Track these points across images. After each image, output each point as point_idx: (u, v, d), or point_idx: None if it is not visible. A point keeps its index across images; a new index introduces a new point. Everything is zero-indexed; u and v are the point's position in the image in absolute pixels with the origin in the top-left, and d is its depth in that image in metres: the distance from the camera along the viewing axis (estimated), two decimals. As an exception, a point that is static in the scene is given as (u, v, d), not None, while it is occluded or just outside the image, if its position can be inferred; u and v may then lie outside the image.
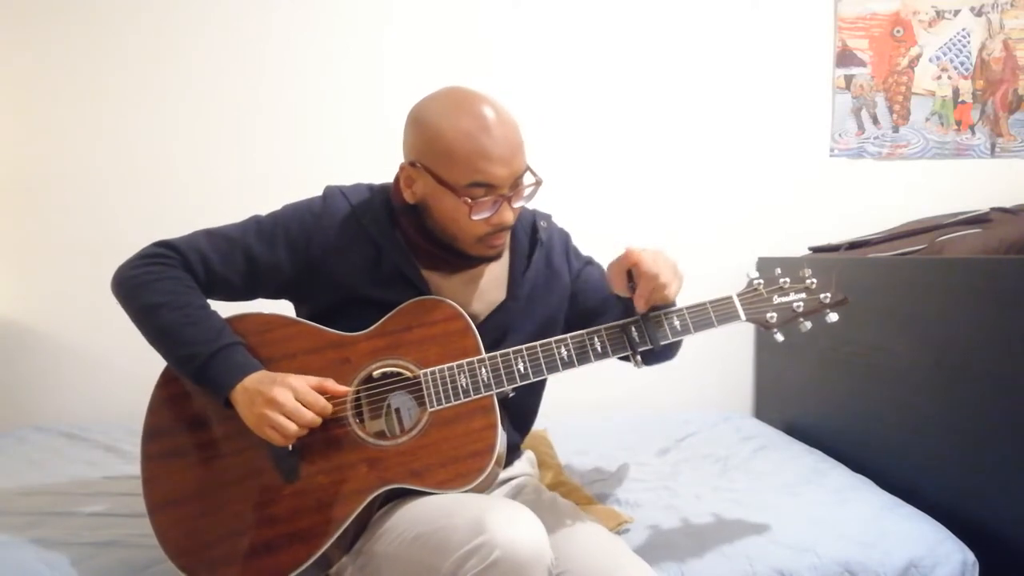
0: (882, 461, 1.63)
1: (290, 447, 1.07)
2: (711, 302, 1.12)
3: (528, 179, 1.12)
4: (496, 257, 1.19)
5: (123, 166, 2.16)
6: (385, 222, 1.18)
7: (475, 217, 1.07)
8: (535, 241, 1.27)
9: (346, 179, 1.28)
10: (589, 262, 1.35)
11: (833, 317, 1.12)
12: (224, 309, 1.17)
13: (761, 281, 1.13)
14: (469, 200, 1.06)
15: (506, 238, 1.17)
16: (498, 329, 1.20)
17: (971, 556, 1.26)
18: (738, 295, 1.13)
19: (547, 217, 1.33)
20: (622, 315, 1.16)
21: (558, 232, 1.34)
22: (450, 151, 1.06)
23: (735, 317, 1.11)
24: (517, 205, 1.12)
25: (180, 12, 2.15)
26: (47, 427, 2.00)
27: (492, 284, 1.23)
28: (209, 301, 1.17)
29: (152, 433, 1.14)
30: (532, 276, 1.24)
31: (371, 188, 1.24)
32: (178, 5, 2.14)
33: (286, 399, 1.04)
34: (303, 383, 1.07)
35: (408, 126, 1.13)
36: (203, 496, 1.10)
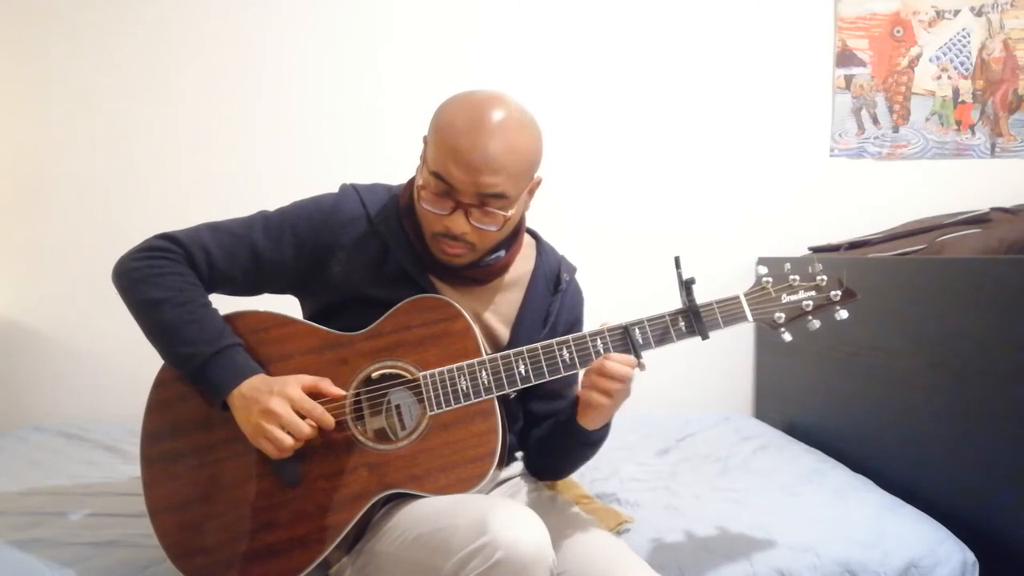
0: (882, 461, 1.64)
1: None
2: (717, 302, 1.10)
3: (504, 207, 1.07)
4: (449, 266, 1.14)
5: (123, 166, 2.16)
6: (395, 222, 1.17)
7: (423, 204, 1.07)
8: (554, 291, 1.24)
9: (345, 178, 1.27)
10: None
11: (843, 315, 1.09)
12: (223, 305, 1.16)
13: (770, 279, 1.10)
14: (421, 183, 1.07)
15: (460, 252, 1.11)
16: None
17: (971, 556, 1.26)
18: (745, 294, 1.10)
19: (572, 271, 1.29)
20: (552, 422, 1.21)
21: (575, 291, 1.30)
22: (435, 133, 1.07)
23: (742, 318, 1.09)
24: (478, 224, 1.07)
25: (180, 12, 2.14)
26: (47, 427, 2.00)
27: (497, 320, 1.21)
28: (211, 296, 1.15)
29: (151, 435, 1.13)
30: (546, 331, 1.22)
31: (388, 189, 1.23)
32: (178, 5, 2.14)
33: (283, 410, 1.02)
34: (299, 392, 1.05)
35: None
36: (204, 500, 1.09)
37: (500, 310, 1.21)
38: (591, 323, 1.13)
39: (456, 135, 1.03)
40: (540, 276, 1.24)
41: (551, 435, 1.20)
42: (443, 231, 1.08)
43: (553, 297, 1.24)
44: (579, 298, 1.31)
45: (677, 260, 1.08)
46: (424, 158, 1.10)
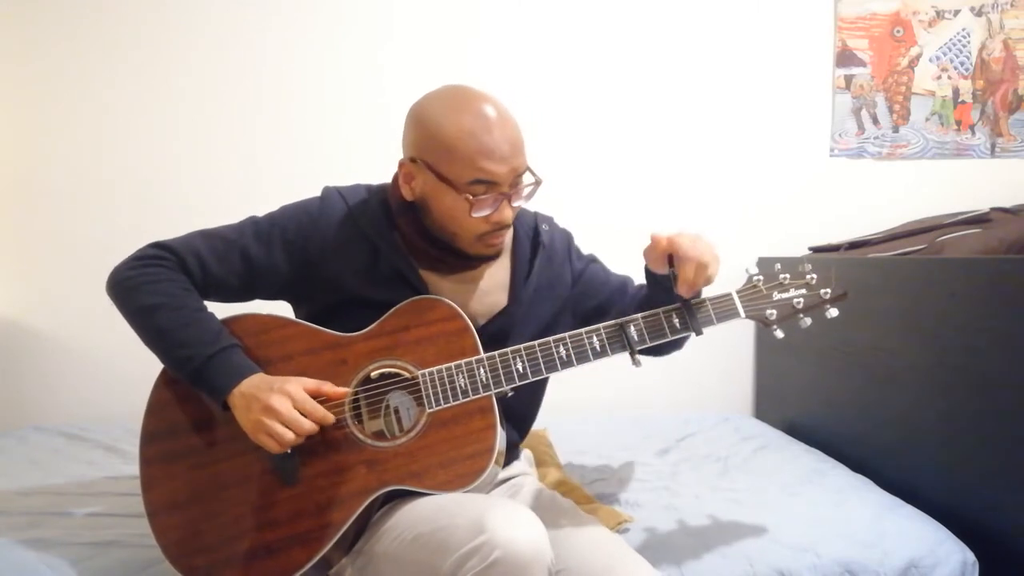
0: (882, 461, 1.63)
1: (288, 451, 1.07)
2: (711, 299, 1.12)
3: (528, 179, 1.13)
4: (495, 257, 1.19)
5: (123, 166, 2.16)
6: (382, 222, 1.18)
7: (475, 215, 1.08)
8: (537, 244, 1.27)
9: (347, 179, 1.28)
10: (592, 260, 1.36)
11: (833, 312, 1.11)
12: (221, 310, 1.17)
13: (760, 277, 1.13)
14: (470, 197, 1.07)
15: (504, 237, 1.17)
16: (499, 333, 1.19)
17: (971, 556, 1.26)
18: (737, 292, 1.12)
19: (549, 219, 1.33)
20: (631, 306, 1.21)
21: (560, 234, 1.34)
22: (451, 148, 1.06)
23: (735, 314, 1.11)
24: (516, 204, 1.12)
25: (180, 13, 2.15)
26: (47, 427, 2.00)
27: (493, 287, 1.23)
28: (205, 303, 1.16)
29: (150, 436, 1.14)
30: (534, 281, 1.24)
31: (369, 189, 1.24)
32: (179, 5, 2.14)
33: (283, 407, 1.03)
34: (300, 390, 1.06)
35: (409, 122, 1.13)
36: (203, 499, 1.09)
37: (494, 280, 1.23)
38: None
39: (477, 137, 1.05)
40: (522, 237, 1.27)
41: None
42: (493, 227, 1.11)
43: (535, 253, 1.26)
44: (567, 236, 1.36)
45: (671, 258, 1.09)
46: (436, 178, 1.09)
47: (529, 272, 1.24)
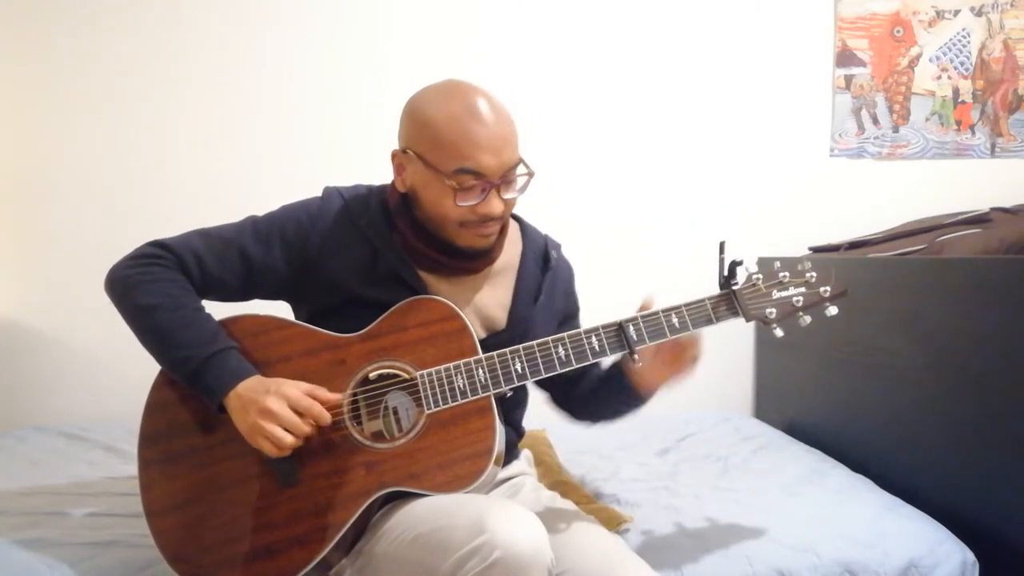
0: (882, 461, 1.63)
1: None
2: (710, 298, 1.11)
3: (521, 171, 1.12)
4: (487, 249, 1.18)
5: (123, 166, 2.16)
6: (381, 223, 1.18)
7: (461, 204, 1.08)
8: (544, 268, 1.26)
9: (347, 179, 1.28)
10: (574, 316, 1.35)
11: (833, 310, 1.11)
12: (219, 310, 1.17)
13: (760, 276, 1.12)
14: (455, 185, 1.07)
15: (495, 229, 1.15)
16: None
17: (971, 556, 1.26)
18: (737, 291, 1.12)
19: (558, 247, 1.32)
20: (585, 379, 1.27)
21: (565, 266, 1.33)
22: (439, 136, 1.07)
23: (734, 313, 1.11)
24: (508, 196, 1.12)
25: (180, 12, 2.15)
26: (47, 427, 2.00)
27: (493, 302, 1.21)
28: (204, 302, 1.16)
29: (149, 437, 1.14)
30: (540, 302, 1.23)
31: (369, 189, 1.24)
32: (178, 6, 2.14)
33: (280, 409, 1.03)
34: (297, 391, 1.05)
35: (403, 115, 1.14)
36: (201, 501, 1.09)
37: (495, 294, 1.22)
38: (590, 323, 1.14)
39: (464, 125, 1.06)
40: (529, 256, 1.26)
41: (605, 399, 1.26)
42: (481, 218, 1.10)
43: (544, 275, 1.26)
44: (570, 272, 1.35)
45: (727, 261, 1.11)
46: (425, 167, 1.09)
47: (536, 297, 1.23)
